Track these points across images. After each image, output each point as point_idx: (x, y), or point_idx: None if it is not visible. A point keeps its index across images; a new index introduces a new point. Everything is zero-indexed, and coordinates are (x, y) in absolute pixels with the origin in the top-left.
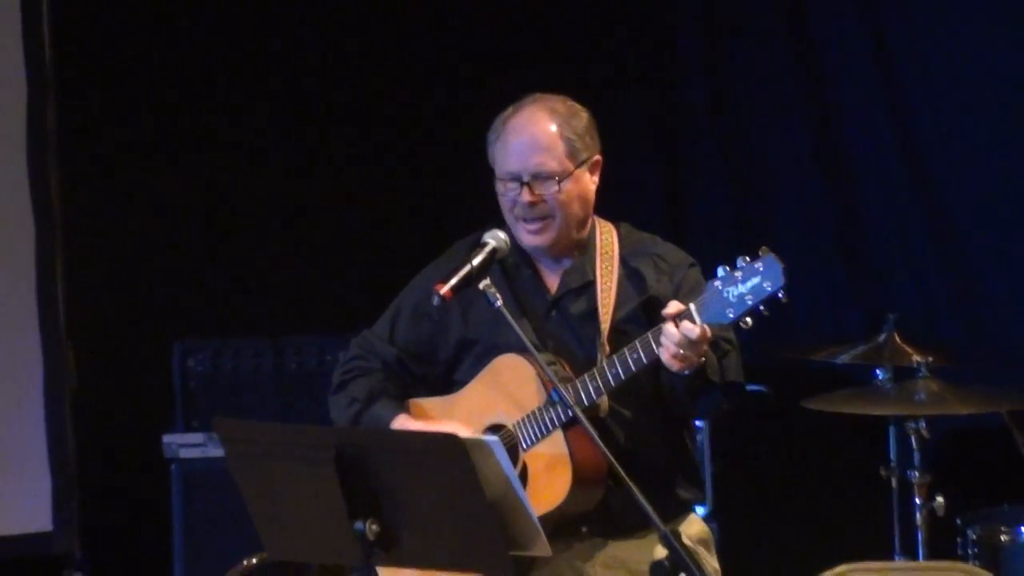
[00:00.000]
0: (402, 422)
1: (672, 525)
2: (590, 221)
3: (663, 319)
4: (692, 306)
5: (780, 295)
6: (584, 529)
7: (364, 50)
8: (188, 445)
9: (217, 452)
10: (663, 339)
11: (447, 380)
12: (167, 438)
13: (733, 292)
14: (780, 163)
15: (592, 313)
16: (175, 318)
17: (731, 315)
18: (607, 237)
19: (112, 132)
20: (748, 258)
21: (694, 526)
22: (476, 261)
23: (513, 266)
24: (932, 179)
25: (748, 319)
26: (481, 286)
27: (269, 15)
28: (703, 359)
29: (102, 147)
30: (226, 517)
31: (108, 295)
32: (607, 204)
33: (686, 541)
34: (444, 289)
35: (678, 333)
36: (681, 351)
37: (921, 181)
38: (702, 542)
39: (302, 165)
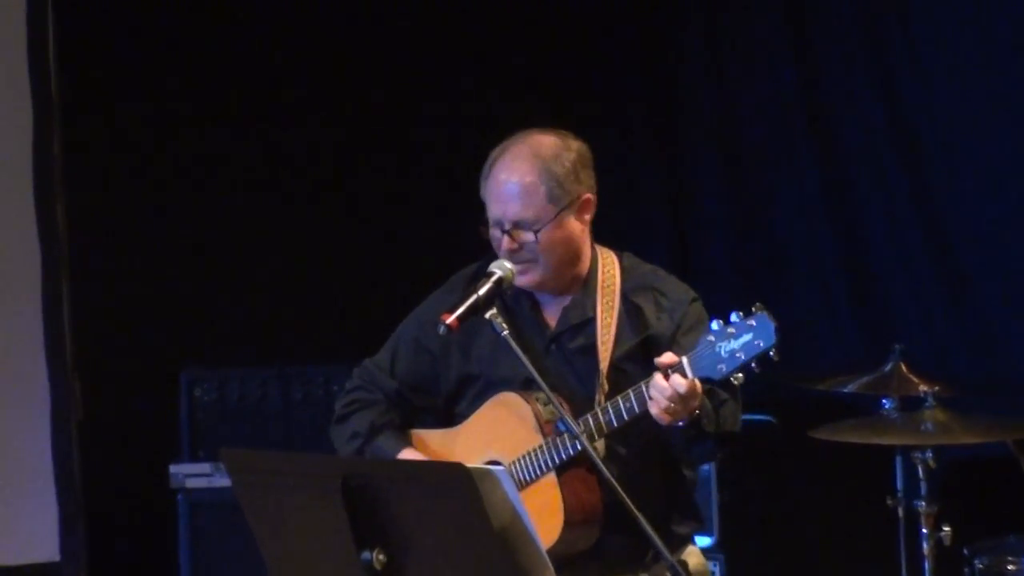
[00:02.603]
0: (407, 455)
1: (655, 566)
2: (589, 254)
3: (656, 368)
4: (684, 360)
5: (771, 353)
6: (579, 570)
7: (373, 80)
8: (195, 475)
9: (224, 482)
10: (652, 392)
11: (449, 412)
12: (174, 468)
13: (725, 348)
14: (786, 196)
15: (591, 350)
16: (181, 348)
17: (722, 370)
18: (609, 270)
19: (118, 160)
20: (742, 314)
21: (692, 559)
22: (483, 291)
23: (513, 300)
24: (938, 210)
25: (740, 376)
26: (487, 315)
27: (271, 51)
28: (696, 411)
29: (108, 176)
30: (233, 547)
31: (114, 325)
32: (612, 234)
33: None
34: (450, 319)
35: (669, 387)
36: (671, 405)
37: (927, 213)
38: (700, 575)
39: (310, 196)
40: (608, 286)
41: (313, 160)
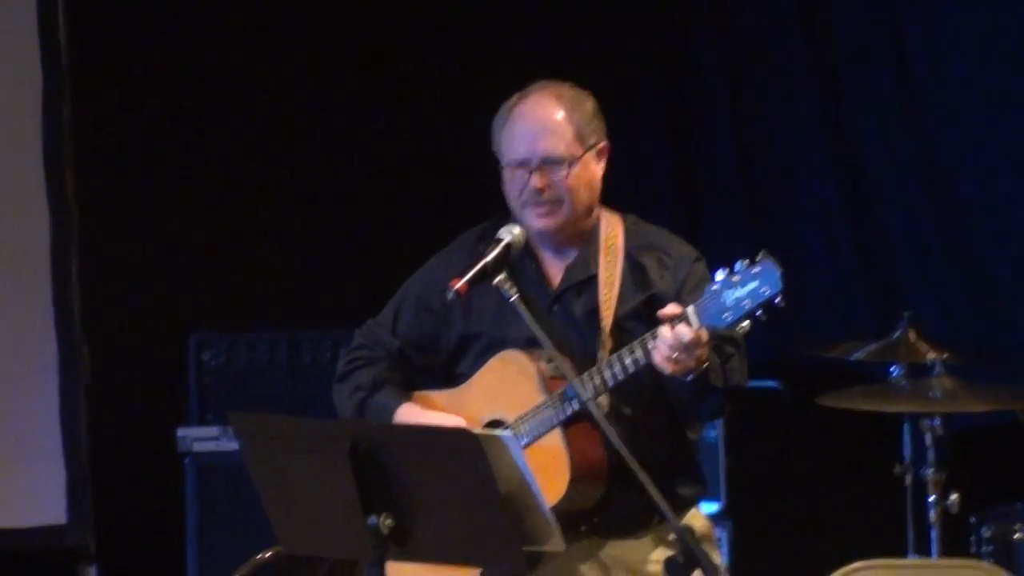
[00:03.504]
0: (406, 410)
1: (660, 527)
2: (595, 211)
3: (661, 319)
4: (689, 309)
5: (777, 300)
6: (583, 528)
7: (372, 50)
8: (203, 438)
9: (231, 445)
10: (657, 341)
11: (449, 372)
12: (182, 431)
13: (731, 296)
14: (797, 164)
15: (594, 309)
16: (189, 312)
17: (728, 319)
18: (612, 229)
19: (126, 129)
20: (747, 262)
21: (697, 522)
22: (491, 256)
23: (516, 258)
24: (948, 179)
25: (746, 324)
26: (496, 281)
27: (279, 18)
28: (705, 363)
29: (117, 144)
30: (240, 510)
31: (122, 290)
32: (619, 198)
33: None
34: (459, 284)
35: (672, 336)
36: (675, 354)
37: (937, 182)
38: (705, 537)
39: (316, 161)
40: (611, 245)
41: (320, 125)
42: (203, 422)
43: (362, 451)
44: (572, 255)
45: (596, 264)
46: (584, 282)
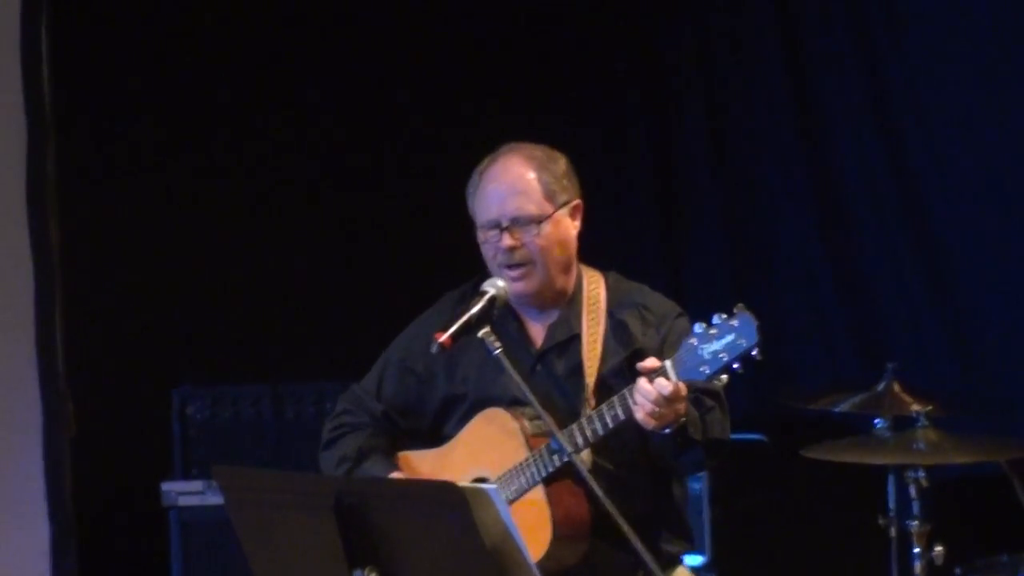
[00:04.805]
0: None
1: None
2: (575, 270)
3: (640, 373)
4: (667, 363)
5: (754, 352)
6: None
7: (360, 100)
8: (187, 493)
9: (216, 500)
10: (637, 396)
11: (435, 435)
12: (166, 486)
13: (708, 349)
14: (779, 213)
15: (577, 367)
16: (174, 365)
17: (706, 372)
18: (594, 288)
19: (111, 177)
20: (724, 315)
21: None
22: (476, 309)
23: (498, 319)
24: (932, 229)
25: (724, 377)
26: (480, 334)
27: (274, 60)
28: (683, 417)
29: (102, 193)
30: (225, 565)
31: (107, 342)
32: (603, 252)
33: None
34: (443, 337)
35: (653, 390)
36: (656, 409)
37: (920, 231)
38: None
39: (306, 214)
40: (594, 303)
41: (305, 179)
42: (188, 476)
43: (347, 505)
44: (554, 315)
45: (579, 324)
46: (567, 341)
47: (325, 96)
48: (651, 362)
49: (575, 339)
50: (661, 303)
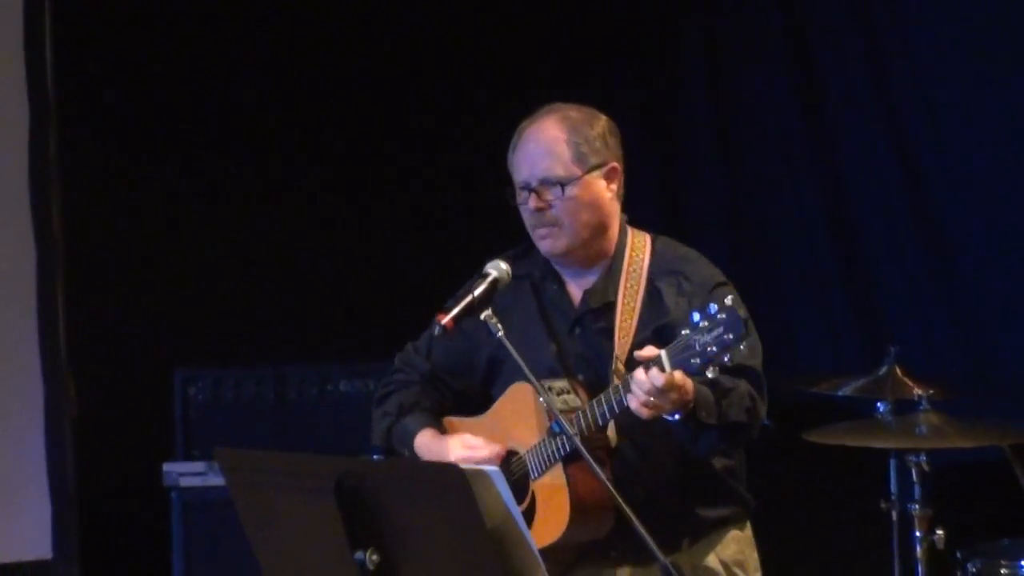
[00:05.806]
0: (426, 435)
1: (690, 552)
2: (618, 231)
3: (638, 361)
4: (663, 353)
5: (742, 347)
6: (613, 553)
7: (376, 85)
8: (189, 474)
9: (217, 481)
10: (632, 385)
11: (486, 395)
12: (168, 467)
13: (699, 341)
14: (783, 200)
15: (610, 335)
16: (176, 346)
17: (696, 364)
18: (638, 253)
19: (114, 159)
20: (717, 307)
21: (729, 548)
22: (478, 292)
23: (540, 280)
24: (934, 211)
25: (713, 368)
26: (482, 316)
27: (271, 48)
28: (686, 405)
29: (104, 175)
30: (226, 546)
31: (109, 323)
32: None
33: (717, 563)
34: (445, 319)
35: (647, 380)
36: (649, 399)
37: (923, 214)
38: (737, 564)
39: (308, 194)
40: (634, 270)
41: (308, 159)
42: (189, 457)
43: (348, 486)
44: (592, 278)
45: (616, 291)
46: (601, 308)
47: (327, 87)
48: (648, 351)
49: (610, 307)
50: (702, 271)
